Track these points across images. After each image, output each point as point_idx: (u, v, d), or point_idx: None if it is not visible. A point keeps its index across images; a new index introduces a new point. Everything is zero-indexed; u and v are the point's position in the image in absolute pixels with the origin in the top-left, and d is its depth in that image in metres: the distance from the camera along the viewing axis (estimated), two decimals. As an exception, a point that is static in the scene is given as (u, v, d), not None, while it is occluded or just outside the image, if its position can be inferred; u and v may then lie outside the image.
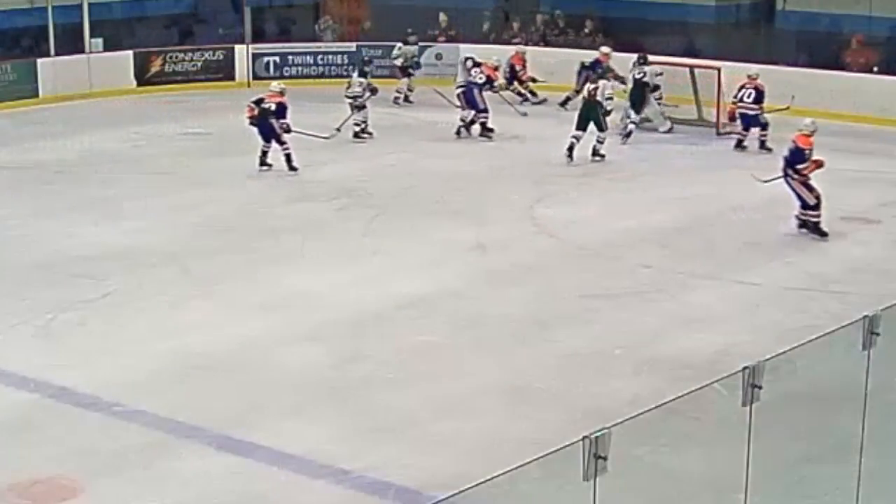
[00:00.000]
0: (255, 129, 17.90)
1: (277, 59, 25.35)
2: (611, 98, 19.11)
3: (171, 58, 24.85)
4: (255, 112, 17.88)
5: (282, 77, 25.07)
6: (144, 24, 26.17)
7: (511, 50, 23.61)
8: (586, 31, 25.15)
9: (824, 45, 22.85)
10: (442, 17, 25.69)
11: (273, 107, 17.81)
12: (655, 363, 10.77)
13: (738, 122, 19.39)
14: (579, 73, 22.29)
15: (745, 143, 19.30)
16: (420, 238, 14.73)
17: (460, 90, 20.42)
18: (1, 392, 10.39)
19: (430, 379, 10.55)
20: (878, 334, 7.00)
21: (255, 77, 25.15)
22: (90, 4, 24.12)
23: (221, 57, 25.19)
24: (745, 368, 6.33)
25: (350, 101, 20.10)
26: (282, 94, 18.03)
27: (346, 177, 17.69)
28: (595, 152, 18.67)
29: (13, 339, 11.53)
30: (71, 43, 24.10)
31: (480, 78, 20.40)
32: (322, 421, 9.73)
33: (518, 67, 23.16)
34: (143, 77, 24.50)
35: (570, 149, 18.55)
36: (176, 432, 9.55)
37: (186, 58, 24.98)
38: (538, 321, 11.96)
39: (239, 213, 15.92)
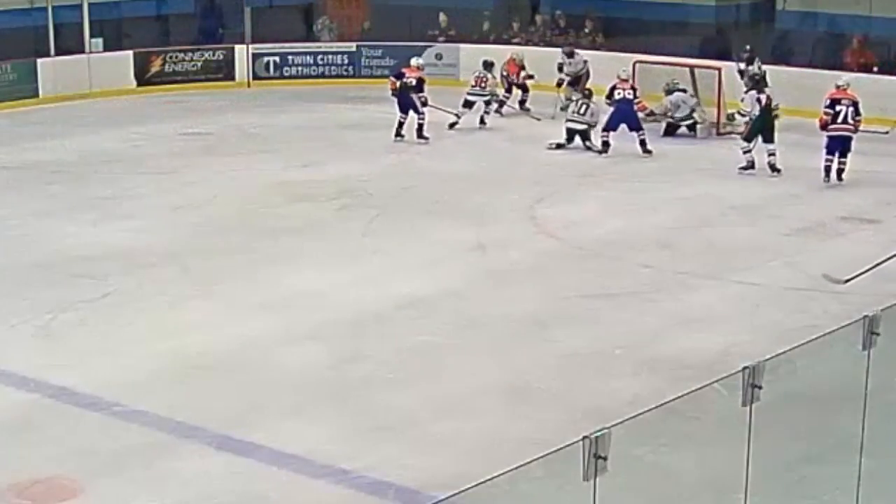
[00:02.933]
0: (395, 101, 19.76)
1: (277, 59, 25.34)
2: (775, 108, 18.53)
3: (171, 58, 24.84)
4: (397, 85, 19.79)
5: (282, 77, 25.18)
6: (144, 24, 26.17)
7: (509, 50, 23.40)
8: (586, 30, 25.15)
9: (824, 45, 22.85)
10: (442, 17, 25.69)
11: (413, 81, 19.74)
12: (655, 363, 10.76)
13: (826, 145, 17.07)
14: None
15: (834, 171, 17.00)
16: (420, 238, 14.73)
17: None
18: (1, 392, 10.38)
19: (430, 379, 10.55)
20: (878, 334, 6.99)
21: (255, 77, 25.18)
22: (90, 4, 24.11)
23: (221, 57, 25.18)
24: (745, 368, 6.32)
25: (485, 98, 20.94)
26: (419, 68, 20.09)
27: (346, 177, 17.67)
28: (772, 167, 17.58)
29: (13, 339, 11.52)
30: (71, 43, 24.10)
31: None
32: (322, 421, 9.72)
33: (511, 75, 22.53)
34: (143, 77, 24.49)
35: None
36: (176, 432, 9.54)
37: (186, 58, 24.97)
38: (538, 321, 11.95)
39: (239, 213, 15.90)
